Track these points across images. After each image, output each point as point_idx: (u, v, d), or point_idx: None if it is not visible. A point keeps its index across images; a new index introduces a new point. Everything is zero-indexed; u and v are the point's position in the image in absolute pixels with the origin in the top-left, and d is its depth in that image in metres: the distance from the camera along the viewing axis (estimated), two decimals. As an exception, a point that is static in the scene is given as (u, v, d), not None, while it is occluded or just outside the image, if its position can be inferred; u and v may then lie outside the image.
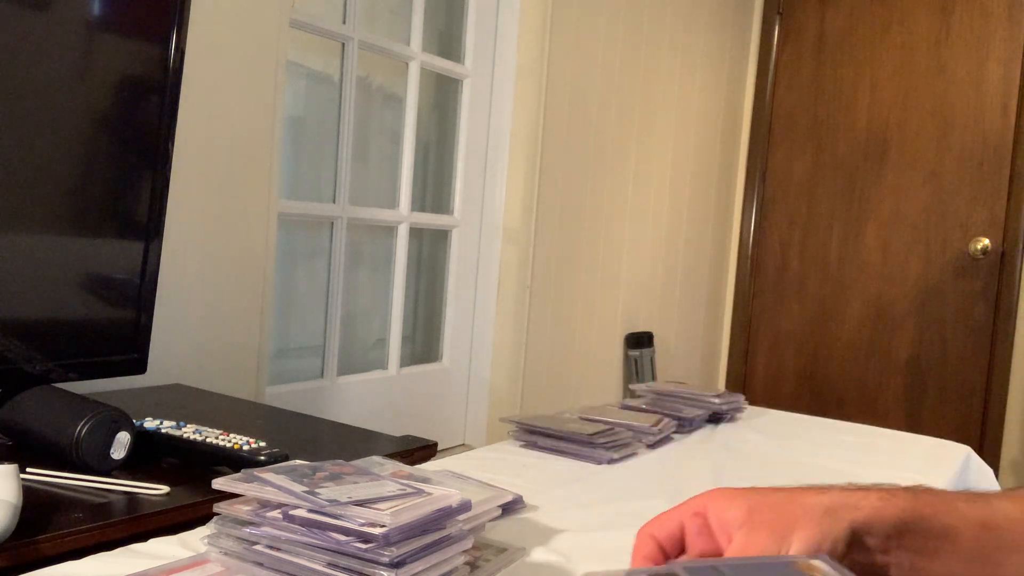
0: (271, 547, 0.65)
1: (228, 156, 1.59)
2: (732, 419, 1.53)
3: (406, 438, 1.23)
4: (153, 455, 0.99)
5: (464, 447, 2.35)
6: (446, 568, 0.66)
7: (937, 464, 1.36)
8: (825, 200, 3.39)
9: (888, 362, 3.28)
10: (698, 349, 3.43)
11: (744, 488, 0.55)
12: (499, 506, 0.79)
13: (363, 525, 0.62)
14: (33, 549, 0.74)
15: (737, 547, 0.50)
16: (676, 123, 3.04)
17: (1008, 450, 3.08)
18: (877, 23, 3.28)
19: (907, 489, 0.55)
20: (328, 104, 2.00)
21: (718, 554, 0.52)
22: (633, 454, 1.22)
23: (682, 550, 0.54)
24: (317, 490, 0.65)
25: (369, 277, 2.18)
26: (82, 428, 0.91)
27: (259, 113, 1.64)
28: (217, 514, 0.67)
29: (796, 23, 3.44)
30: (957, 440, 1.54)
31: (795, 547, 0.49)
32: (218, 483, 0.67)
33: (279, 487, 0.65)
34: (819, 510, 0.51)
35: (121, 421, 0.94)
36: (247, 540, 0.66)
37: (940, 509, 0.53)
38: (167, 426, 1.01)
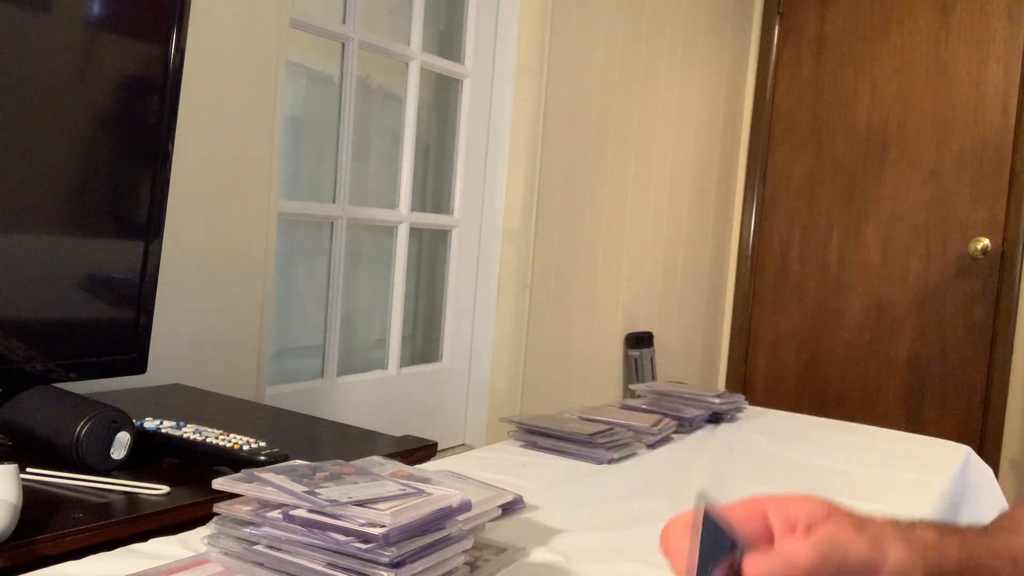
0: (271, 547, 0.65)
1: (228, 156, 1.59)
2: (732, 419, 1.53)
3: (406, 438, 1.23)
4: (153, 455, 0.99)
5: (464, 447, 2.35)
6: (446, 568, 0.66)
7: (937, 464, 1.36)
8: (825, 200, 3.39)
9: (888, 362, 3.28)
10: (698, 349, 3.43)
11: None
12: (499, 506, 0.79)
13: (363, 525, 0.62)
14: (33, 549, 0.74)
15: (825, 535, 0.47)
16: (676, 123, 3.04)
17: (1008, 450, 3.08)
18: (877, 23, 3.28)
19: (940, 528, 0.54)
20: (328, 104, 2.00)
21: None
22: (633, 454, 1.22)
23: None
24: (317, 490, 0.65)
25: (369, 277, 2.18)
26: (82, 428, 0.91)
27: (259, 113, 1.64)
28: (217, 514, 0.67)
29: (796, 23, 3.44)
30: (957, 440, 1.54)
31: (892, 557, 0.48)
32: (218, 483, 0.67)
33: (279, 487, 0.65)
34: (900, 538, 0.50)
35: (121, 421, 0.94)
36: (247, 540, 0.66)
37: (976, 550, 0.54)
38: (167, 426, 1.01)
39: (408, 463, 0.85)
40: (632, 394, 1.59)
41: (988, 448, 3.05)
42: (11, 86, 1.01)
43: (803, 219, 3.44)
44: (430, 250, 2.37)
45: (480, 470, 1.03)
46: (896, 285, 3.26)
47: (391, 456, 0.93)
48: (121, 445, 0.94)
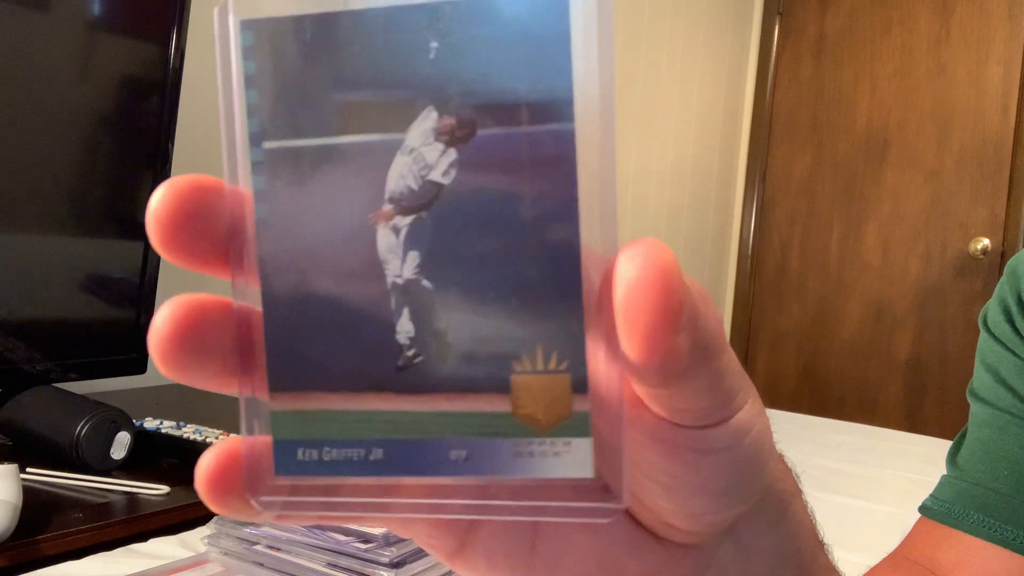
0: (271, 547, 0.65)
1: (228, 156, 1.59)
2: (732, 419, 1.53)
3: (406, 438, 1.23)
4: (153, 455, 0.99)
5: (464, 447, 2.35)
6: (446, 568, 0.66)
7: (937, 464, 1.36)
8: (825, 200, 3.39)
9: (888, 362, 3.28)
10: (698, 349, 3.42)
11: None
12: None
13: (363, 525, 0.62)
14: (33, 549, 0.74)
15: None
16: (675, 122, 3.04)
17: (1008, 450, 3.08)
18: (877, 23, 3.28)
19: None
20: (328, 104, 2.00)
21: None
22: (633, 454, 1.22)
23: None
24: (317, 490, 0.65)
25: (369, 277, 2.18)
26: (82, 428, 0.91)
27: (259, 113, 1.64)
28: (217, 514, 0.67)
29: (796, 23, 3.44)
30: (957, 440, 1.54)
31: None
32: (218, 483, 0.67)
33: (279, 487, 0.65)
34: None
35: (121, 421, 0.94)
36: (247, 540, 0.66)
37: None
38: (167, 426, 1.01)
39: (408, 463, 0.85)
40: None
41: (988, 448, 3.04)
42: (11, 86, 1.02)
43: (803, 219, 3.44)
44: (430, 250, 2.37)
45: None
46: (896, 285, 3.26)
47: (391, 456, 0.93)
48: (121, 445, 0.94)
